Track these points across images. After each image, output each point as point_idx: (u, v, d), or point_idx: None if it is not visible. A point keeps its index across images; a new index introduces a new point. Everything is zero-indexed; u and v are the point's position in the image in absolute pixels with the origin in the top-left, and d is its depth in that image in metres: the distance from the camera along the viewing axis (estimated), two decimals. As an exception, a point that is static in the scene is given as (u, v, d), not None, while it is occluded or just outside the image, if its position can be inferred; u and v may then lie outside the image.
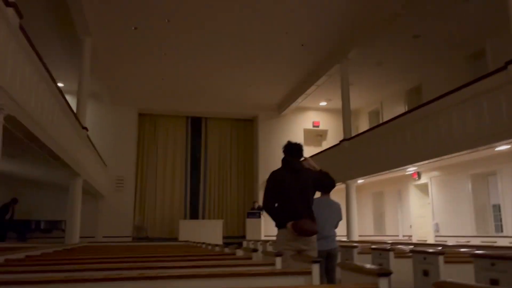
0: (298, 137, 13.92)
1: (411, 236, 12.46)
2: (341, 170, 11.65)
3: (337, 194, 5.15)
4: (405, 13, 9.18)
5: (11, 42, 4.75)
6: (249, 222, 14.58)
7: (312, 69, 13.40)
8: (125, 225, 15.12)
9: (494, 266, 3.22)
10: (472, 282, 3.03)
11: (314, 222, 3.54)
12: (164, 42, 11.52)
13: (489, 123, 6.90)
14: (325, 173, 3.77)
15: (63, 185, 11.26)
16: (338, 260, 4.81)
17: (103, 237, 14.42)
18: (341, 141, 12.22)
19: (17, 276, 2.78)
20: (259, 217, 14.47)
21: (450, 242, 9.72)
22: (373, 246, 5.49)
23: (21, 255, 5.05)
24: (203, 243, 8.57)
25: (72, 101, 9.02)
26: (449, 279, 1.54)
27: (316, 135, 17.54)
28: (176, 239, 14.44)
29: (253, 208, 15.11)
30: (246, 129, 17.86)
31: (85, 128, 9.90)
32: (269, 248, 7.61)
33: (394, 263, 4.73)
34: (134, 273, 2.61)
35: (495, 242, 9.30)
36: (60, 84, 8.72)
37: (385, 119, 13.37)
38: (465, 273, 3.64)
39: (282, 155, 3.73)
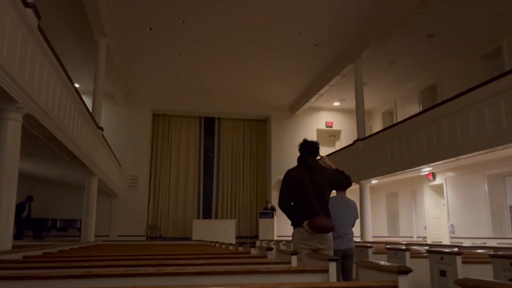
0: (311, 137, 13.83)
1: (425, 237, 12.32)
2: (355, 171, 11.59)
3: (351, 195, 5.12)
4: (420, 12, 9.09)
5: (30, 43, 4.83)
6: (262, 222, 14.57)
7: (326, 69, 13.35)
8: (139, 225, 15.25)
9: (513, 266, 3.17)
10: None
11: (330, 219, 3.52)
12: (178, 43, 11.59)
13: (507, 122, 6.79)
14: (341, 171, 3.75)
15: (79, 184, 11.42)
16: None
17: (117, 236, 14.57)
18: (354, 141, 12.15)
19: (36, 271, 2.83)
20: (272, 217, 14.46)
21: (466, 243, 9.59)
22: (388, 246, 5.44)
23: (38, 252, 5.13)
24: (217, 242, 8.60)
25: (87, 101, 9.12)
26: (471, 277, 1.53)
27: (330, 135, 17.47)
28: (189, 239, 14.53)
29: (266, 208, 15.10)
30: (259, 129, 17.88)
31: (101, 128, 10.02)
32: (283, 248, 7.59)
33: (410, 263, 4.68)
34: (152, 269, 2.63)
35: (512, 243, 9.15)
36: (75, 85, 8.84)
37: (399, 119, 13.25)
38: (483, 274, 3.59)
39: (294, 155, 3.72)
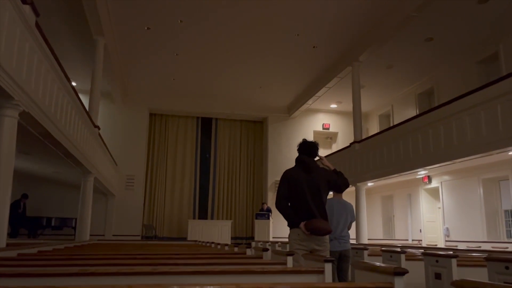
0: (308, 139, 13.88)
1: (420, 240, 12.36)
2: (351, 173, 11.61)
3: (346, 197, 5.13)
4: (418, 16, 9.13)
5: (28, 40, 4.81)
6: (258, 223, 14.57)
7: (323, 71, 13.38)
8: (135, 224, 15.21)
9: (508, 269, 3.18)
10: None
11: (327, 222, 3.52)
12: (176, 43, 11.59)
13: (503, 127, 6.83)
14: (339, 172, 3.74)
15: (74, 183, 11.38)
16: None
17: (112, 235, 14.53)
18: (351, 144, 12.18)
19: (31, 269, 2.81)
20: (268, 218, 14.46)
21: (461, 246, 9.62)
22: (384, 248, 5.45)
23: (33, 250, 5.11)
24: (212, 242, 8.59)
25: (84, 100, 9.09)
26: (467, 279, 1.53)
27: (326, 137, 17.51)
28: (184, 239, 14.50)
29: (261, 209, 15.10)
30: (256, 131, 17.88)
31: (97, 127, 9.99)
32: (279, 249, 7.59)
33: (405, 266, 4.70)
34: (147, 268, 2.63)
35: (507, 247, 9.19)
36: (73, 83, 8.81)
37: (395, 122, 13.30)
38: (478, 277, 3.59)
39: (291, 157, 3.73)
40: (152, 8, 9.84)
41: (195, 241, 12.50)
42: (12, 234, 11.94)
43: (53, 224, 13.12)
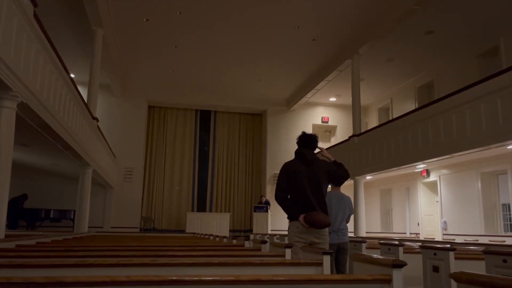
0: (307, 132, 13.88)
1: (418, 233, 12.41)
2: (349, 166, 11.57)
3: (344, 190, 5.13)
4: (419, 9, 9.08)
5: (25, 31, 4.77)
6: (256, 216, 14.61)
7: (323, 64, 13.33)
8: (133, 216, 15.23)
9: (506, 263, 3.19)
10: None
11: (327, 214, 3.52)
12: (175, 35, 11.52)
13: (503, 120, 6.82)
14: (340, 163, 3.72)
15: (73, 175, 11.38)
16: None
17: (111, 227, 14.55)
18: (350, 137, 12.17)
19: (29, 260, 2.81)
20: (266, 211, 14.49)
21: (458, 240, 9.67)
22: (382, 241, 5.47)
23: (31, 241, 5.11)
24: (211, 235, 8.61)
25: (82, 92, 9.05)
26: (466, 271, 1.53)
27: (325, 130, 17.50)
28: (183, 231, 14.54)
29: (260, 202, 15.13)
30: (255, 124, 17.87)
31: (96, 119, 9.96)
32: (277, 242, 7.61)
33: (403, 259, 4.70)
34: (146, 259, 2.63)
35: (504, 241, 9.23)
36: (71, 75, 8.77)
37: (395, 116, 13.29)
38: (475, 270, 3.61)
39: (290, 150, 3.71)
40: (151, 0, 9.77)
41: (194, 233, 12.54)
42: (10, 225, 11.95)
43: (51, 216, 13.13)
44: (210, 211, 16.60)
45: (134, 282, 1.73)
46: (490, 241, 9.33)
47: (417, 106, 12.60)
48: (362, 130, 12.06)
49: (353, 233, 11.03)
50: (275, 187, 3.72)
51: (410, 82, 14.04)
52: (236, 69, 13.85)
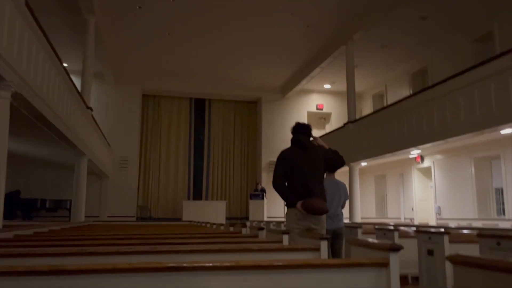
0: (302, 120, 13.89)
1: (413, 218, 12.55)
2: (344, 153, 11.52)
3: (339, 177, 5.17)
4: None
5: (17, 19, 4.72)
6: (252, 203, 14.69)
7: (317, 51, 13.29)
8: (129, 205, 15.26)
9: (499, 245, 3.26)
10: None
11: (325, 200, 3.56)
12: (168, 22, 11.42)
13: (496, 106, 6.88)
14: (335, 151, 3.76)
15: (68, 165, 11.35)
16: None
17: (107, 216, 14.58)
18: (345, 124, 12.20)
19: (28, 249, 2.83)
20: (262, 198, 14.57)
21: (452, 224, 9.79)
22: (377, 227, 5.54)
23: (29, 231, 5.13)
24: (208, 222, 8.66)
25: (75, 81, 8.98)
26: (461, 253, 1.57)
27: (320, 117, 17.52)
28: (179, 219, 14.60)
29: (256, 190, 15.19)
30: (250, 111, 17.85)
31: (90, 108, 9.91)
32: (274, 228, 7.67)
33: (398, 243, 4.78)
34: (146, 247, 2.65)
35: (497, 225, 9.37)
36: (64, 64, 8.68)
37: (389, 102, 13.32)
38: (469, 253, 3.67)
39: (285, 137, 3.75)
40: (143, -13, 9.65)
41: (190, 221, 12.60)
42: (7, 216, 11.92)
43: (47, 206, 13.13)
44: (206, 199, 16.67)
45: (136, 269, 1.75)
46: (483, 224, 9.47)
47: (411, 92, 12.63)
48: (357, 117, 12.09)
49: (348, 219, 11.14)
50: (271, 174, 3.74)
51: (404, 68, 14.04)
52: (230, 56, 13.76)
